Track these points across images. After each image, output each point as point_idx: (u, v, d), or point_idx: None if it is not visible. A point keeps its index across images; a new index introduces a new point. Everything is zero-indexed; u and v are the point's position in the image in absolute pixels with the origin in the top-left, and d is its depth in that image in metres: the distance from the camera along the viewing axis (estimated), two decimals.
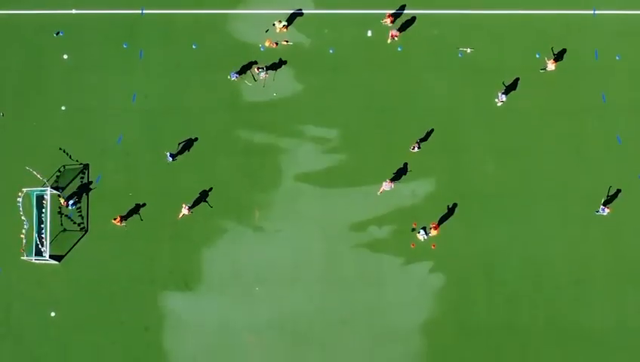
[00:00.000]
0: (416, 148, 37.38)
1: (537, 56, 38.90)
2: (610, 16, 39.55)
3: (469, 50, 39.05)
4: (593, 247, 37.33)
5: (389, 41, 39.07)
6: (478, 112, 38.49)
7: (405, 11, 39.66)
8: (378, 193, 37.38)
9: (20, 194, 37.24)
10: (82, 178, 37.98)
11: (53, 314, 37.00)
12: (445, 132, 38.28)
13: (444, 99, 38.65)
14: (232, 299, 37.07)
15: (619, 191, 37.67)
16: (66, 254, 37.42)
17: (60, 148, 38.11)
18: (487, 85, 38.67)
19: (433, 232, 36.79)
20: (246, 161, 38.07)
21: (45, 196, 37.16)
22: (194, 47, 39.23)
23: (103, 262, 37.37)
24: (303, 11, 39.59)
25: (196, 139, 38.15)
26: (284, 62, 38.59)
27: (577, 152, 38.18)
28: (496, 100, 38.04)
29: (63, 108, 38.64)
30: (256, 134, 38.35)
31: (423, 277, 37.18)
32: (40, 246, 36.89)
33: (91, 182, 37.88)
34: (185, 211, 37.27)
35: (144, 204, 37.54)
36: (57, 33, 39.42)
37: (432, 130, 38.13)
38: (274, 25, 38.65)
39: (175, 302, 37.06)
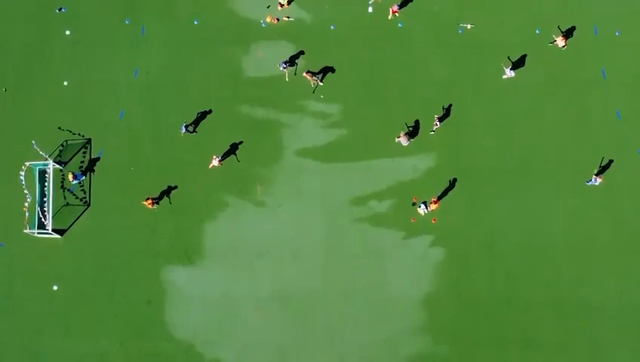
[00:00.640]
0: (437, 124, 37.65)
1: (537, 31, 39.05)
2: None
3: (469, 26, 39.20)
4: (593, 222, 37.48)
5: (389, 17, 39.24)
6: (479, 88, 38.63)
7: None
8: (396, 140, 37.67)
9: (22, 168, 37.46)
10: (85, 153, 38.20)
11: (55, 287, 37.25)
12: (446, 107, 38.49)
13: (444, 74, 38.81)
14: (234, 272, 37.30)
15: (611, 161, 37.90)
16: (68, 228, 37.64)
17: (61, 127, 38.35)
18: (488, 61, 38.78)
19: (433, 207, 37.01)
20: (248, 136, 38.28)
21: (48, 170, 37.37)
22: (195, 23, 39.42)
23: (105, 236, 37.62)
24: None
25: (210, 111, 38.36)
26: (332, 70, 38.66)
27: (577, 128, 38.32)
28: (505, 77, 38.19)
29: (66, 83, 38.86)
30: (257, 109, 38.54)
31: (423, 251, 37.38)
32: (43, 219, 37.12)
33: (98, 158, 38.06)
34: (215, 162, 37.45)
35: (175, 186, 37.70)
36: (60, 9, 39.63)
37: (433, 106, 38.45)
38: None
39: (177, 276, 37.30)
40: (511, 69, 38.08)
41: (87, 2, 39.65)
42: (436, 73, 38.85)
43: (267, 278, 37.23)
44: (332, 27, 39.45)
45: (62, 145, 38.17)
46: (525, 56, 38.78)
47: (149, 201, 37.18)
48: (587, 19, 39.26)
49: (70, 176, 37.31)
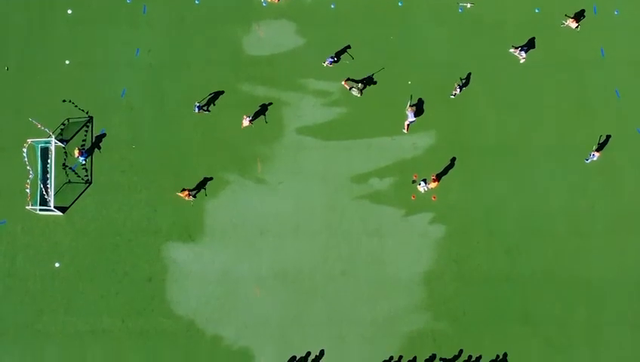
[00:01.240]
0: (457, 91, 37.98)
1: (537, 10, 39.27)
2: None
3: (469, 5, 39.38)
4: (592, 199, 37.71)
5: None
6: (478, 67, 38.84)
7: None
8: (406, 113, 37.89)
9: (25, 145, 37.61)
10: (86, 131, 38.37)
11: (57, 265, 37.39)
12: (445, 86, 38.60)
13: (444, 53, 39.02)
14: (235, 250, 37.46)
15: (609, 137, 38.12)
16: (70, 206, 37.79)
17: (64, 103, 38.55)
18: (487, 40, 39.07)
19: (433, 185, 37.18)
20: (248, 114, 38.42)
21: (50, 147, 37.54)
22: (197, 2, 39.61)
23: (106, 213, 37.77)
24: None
25: (223, 92, 38.53)
26: (374, 82, 38.59)
27: (577, 106, 38.53)
28: (520, 58, 38.37)
29: (67, 62, 39.01)
30: (258, 88, 38.71)
31: (423, 228, 37.55)
32: (45, 195, 37.29)
33: (99, 136, 38.25)
34: (246, 122, 37.67)
35: (211, 178, 37.85)
36: None
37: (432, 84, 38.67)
38: None
39: (178, 253, 37.46)
40: (522, 50, 38.21)
41: None
42: (436, 52, 39.05)
43: (267, 256, 37.40)
44: (332, 6, 39.64)
45: (63, 124, 38.33)
46: (523, 35, 38.99)
47: (185, 193, 37.25)
48: None
49: (76, 152, 37.48)
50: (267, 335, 36.79)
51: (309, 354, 36.62)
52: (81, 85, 38.74)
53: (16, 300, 37.15)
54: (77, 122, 38.40)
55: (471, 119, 38.42)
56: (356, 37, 39.15)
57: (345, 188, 37.85)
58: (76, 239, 37.61)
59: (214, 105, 38.43)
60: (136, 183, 37.90)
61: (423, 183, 37.30)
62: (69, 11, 39.50)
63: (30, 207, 37.28)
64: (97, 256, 37.48)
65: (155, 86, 38.75)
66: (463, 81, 38.46)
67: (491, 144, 38.19)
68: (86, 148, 38.06)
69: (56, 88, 38.72)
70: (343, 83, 37.83)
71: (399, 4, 39.53)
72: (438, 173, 37.64)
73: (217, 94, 38.57)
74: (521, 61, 38.48)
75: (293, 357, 36.63)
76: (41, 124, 37.63)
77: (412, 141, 38.18)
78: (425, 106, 38.30)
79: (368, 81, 38.31)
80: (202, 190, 37.71)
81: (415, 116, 37.76)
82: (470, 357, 36.47)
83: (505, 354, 36.43)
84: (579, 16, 38.96)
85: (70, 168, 38.05)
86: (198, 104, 37.97)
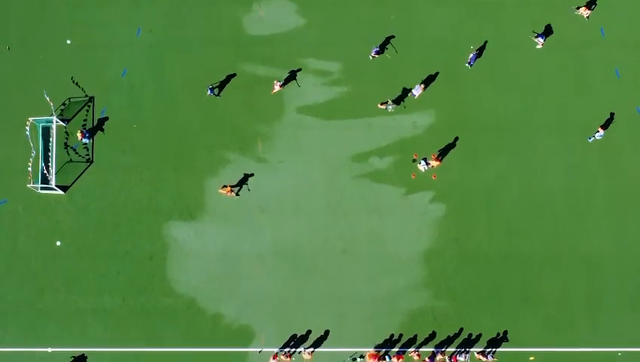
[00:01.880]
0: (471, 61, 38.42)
1: None
2: None
3: None
4: (592, 177, 37.80)
5: None
6: (479, 45, 38.88)
7: None
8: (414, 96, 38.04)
9: (27, 123, 37.71)
10: (87, 111, 38.47)
11: (58, 243, 37.51)
12: (446, 65, 38.68)
13: (444, 32, 39.04)
14: (235, 228, 37.56)
15: (613, 115, 38.23)
16: (71, 185, 37.89)
17: (66, 84, 38.58)
18: (487, 19, 39.10)
19: (435, 163, 37.25)
20: (249, 93, 38.53)
21: (52, 127, 37.64)
22: None
23: (107, 192, 37.88)
24: None
25: (234, 75, 38.63)
26: (404, 99, 38.44)
27: (577, 86, 38.60)
28: (538, 44, 38.46)
29: (69, 42, 39.10)
30: (259, 67, 38.81)
31: (423, 207, 37.65)
32: (47, 174, 37.39)
33: (101, 116, 38.33)
34: (277, 87, 37.78)
35: (252, 174, 37.86)
36: None
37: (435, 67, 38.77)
38: None
39: (179, 232, 37.56)
40: (539, 36, 38.31)
41: None
42: (437, 31, 39.09)
43: (268, 234, 37.50)
44: None
45: (64, 104, 38.43)
46: (522, 16, 39.08)
47: (227, 189, 37.26)
48: None
49: (79, 135, 37.59)
50: (268, 314, 36.93)
51: (309, 332, 36.73)
52: (82, 65, 38.84)
53: (17, 279, 37.31)
54: (78, 102, 38.50)
55: (471, 98, 38.48)
56: (356, 16, 39.20)
57: (345, 167, 37.93)
58: (77, 218, 37.73)
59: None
60: (137, 162, 38.01)
61: (423, 162, 37.38)
62: None
63: (31, 185, 37.39)
64: (98, 235, 37.60)
65: (156, 66, 38.83)
66: (477, 52, 38.55)
67: (491, 123, 38.26)
68: (87, 128, 38.16)
69: (57, 68, 38.82)
70: (379, 105, 37.84)
71: None
72: (439, 151, 37.74)
73: (229, 77, 38.61)
74: (538, 46, 38.50)
75: (294, 335, 36.74)
76: (50, 98, 37.67)
77: (412, 120, 38.27)
78: (425, 85, 38.37)
79: (401, 97, 38.32)
80: (244, 185, 37.79)
81: (419, 91, 37.91)
82: (470, 335, 36.59)
83: (505, 332, 36.56)
84: (590, 4, 38.93)
85: (72, 147, 38.14)
86: (210, 86, 38.07)
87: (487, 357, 35.98)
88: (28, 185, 37.32)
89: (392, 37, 38.90)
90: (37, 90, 38.35)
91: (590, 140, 37.73)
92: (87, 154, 38.11)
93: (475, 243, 37.34)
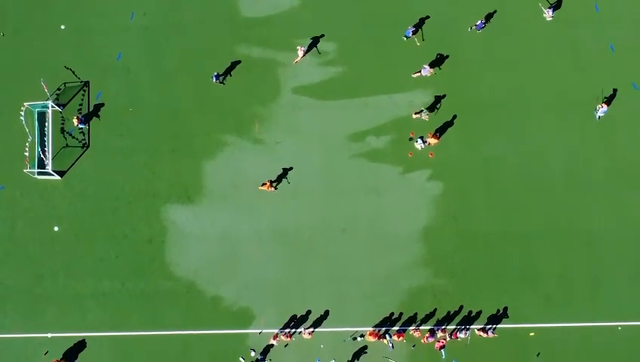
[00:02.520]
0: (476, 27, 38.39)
1: None
2: None
3: None
4: (590, 154, 37.78)
5: None
6: (475, 22, 38.88)
7: None
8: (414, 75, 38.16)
9: (22, 108, 37.59)
10: (83, 95, 38.37)
11: (56, 228, 37.43)
12: (443, 43, 38.64)
13: (441, 11, 38.91)
14: (234, 210, 37.50)
15: (615, 91, 38.22)
16: (68, 170, 37.80)
17: (61, 69, 38.48)
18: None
19: (433, 141, 37.16)
20: (245, 75, 38.44)
21: (47, 112, 37.53)
22: None
23: (105, 176, 37.80)
24: None
25: (239, 61, 38.56)
26: (437, 107, 38.26)
27: (572, 62, 38.57)
28: (547, 17, 38.46)
29: (63, 27, 38.98)
30: (254, 49, 38.73)
31: (421, 185, 37.62)
32: (43, 158, 37.29)
33: (96, 100, 38.22)
34: (300, 53, 37.75)
35: (291, 168, 37.75)
36: None
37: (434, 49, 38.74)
38: None
39: (177, 215, 37.51)
40: (549, 9, 38.30)
41: None
42: (433, 9, 38.98)
43: (266, 215, 37.45)
44: None
45: (59, 89, 38.30)
46: None
47: (267, 185, 37.10)
48: None
49: (75, 121, 37.47)
50: (267, 295, 36.90)
51: (309, 312, 36.71)
52: (77, 49, 38.72)
53: (15, 265, 37.24)
54: (74, 86, 38.39)
55: (467, 76, 38.41)
56: None
57: (342, 147, 37.88)
58: (75, 203, 37.66)
59: (231, 75, 38.38)
60: (134, 146, 37.93)
61: (420, 140, 37.36)
62: None
63: (28, 170, 37.27)
64: (96, 220, 37.53)
65: (151, 49, 38.72)
66: (484, 22, 38.51)
67: (487, 101, 38.21)
68: (83, 114, 38.05)
69: (52, 53, 38.68)
70: (413, 116, 37.77)
71: None
72: (436, 129, 37.71)
73: (234, 64, 38.47)
74: (548, 19, 38.48)
75: (294, 316, 36.73)
76: (45, 84, 37.58)
77: (408, 99, 38.23)
78: (422, 64, 38.38)
79: (433, 105, 38.21)
80: (284, 179, 37.68)
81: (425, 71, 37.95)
82: (470, 312, 36.61)
83: (505, 309, 36.57)
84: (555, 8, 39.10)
85: (68, 132, 38.05)
86: (216, 74, 37.95)
87: (487, 334, 36.02)
88: (25, 171, 37.24)
89: (428, 16, 38.81)
90: (32, 75, 38.22)
91: (598, 118, 37.67)
92: (84, 139, 38.01)
93: (474, 221, 37.30)
